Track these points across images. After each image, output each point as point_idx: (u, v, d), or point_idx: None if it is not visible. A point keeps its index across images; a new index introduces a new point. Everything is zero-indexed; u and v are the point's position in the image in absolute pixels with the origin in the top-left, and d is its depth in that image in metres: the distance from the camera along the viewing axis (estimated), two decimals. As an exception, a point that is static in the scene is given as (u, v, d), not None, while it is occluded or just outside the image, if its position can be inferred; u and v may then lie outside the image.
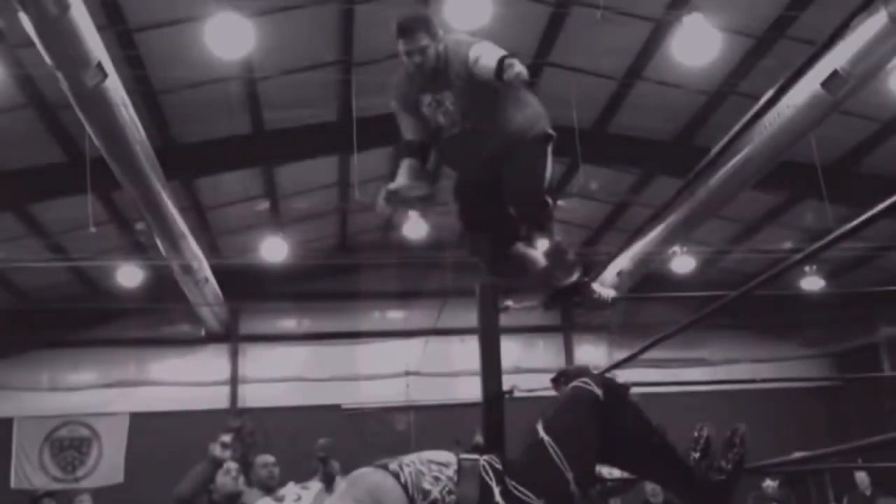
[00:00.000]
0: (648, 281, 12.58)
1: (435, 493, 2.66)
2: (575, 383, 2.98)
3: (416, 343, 14.13)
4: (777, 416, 13.16)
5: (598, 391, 2.91)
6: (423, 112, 3.81)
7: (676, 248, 11.39)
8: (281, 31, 8.85)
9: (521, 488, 2.70)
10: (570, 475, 2.72)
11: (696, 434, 3.10)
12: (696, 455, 3.04)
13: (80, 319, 13.62)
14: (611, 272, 10.89)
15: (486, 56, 3.51)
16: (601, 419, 2.89)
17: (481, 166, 3.81)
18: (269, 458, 6.28)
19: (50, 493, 8.05)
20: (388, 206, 3.76)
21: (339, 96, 10.25)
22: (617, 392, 2.99)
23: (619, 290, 10.85)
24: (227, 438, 5.80)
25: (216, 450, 5.73)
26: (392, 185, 3.75)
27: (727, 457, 3.02)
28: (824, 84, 7.55)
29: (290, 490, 5.53)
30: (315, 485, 5.91)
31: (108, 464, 13.66)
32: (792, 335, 14.83)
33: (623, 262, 11.11)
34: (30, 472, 13.45)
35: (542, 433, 2.83)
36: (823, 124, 8.36)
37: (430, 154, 3.92)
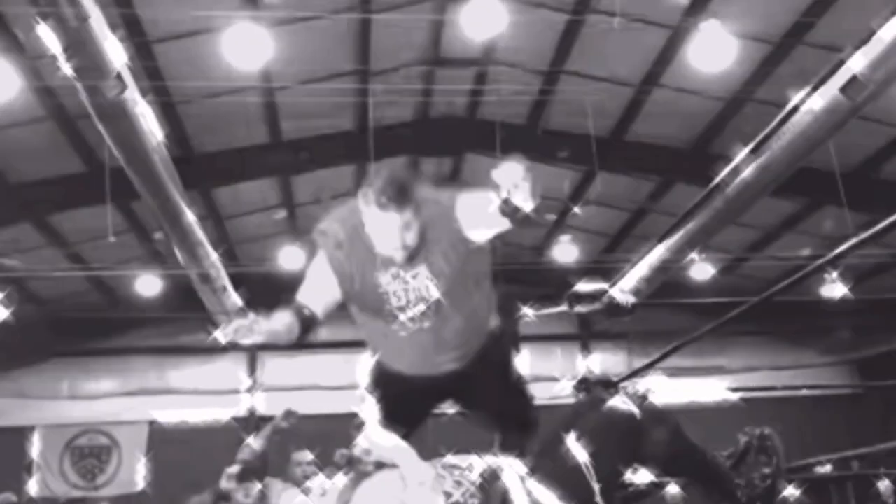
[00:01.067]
0: (667, 288, 12.50)
1: (457, 496, 2.67)
2: (612, 402, 2.99)
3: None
4: (798, 425, 13.01)
5: (636, 410, 2.96)
6: (369, 288, 2.97)
7: (695, 256, 11.30)
8: (299, 41, 8.90)
9: (546, 494, 2.71)
10: (596, 487, 2.73)
11: (742, 440, 3.10)
12: (731, 464, 3.04)
13: (100, 328, 13.71)
14: (629, 280, 10.83)
15: (483, 204, 2.73)
16: (636, 437, 2.94)
17: (436, 365, 3.07)
18: (306, 457, 6.17)
19: (71, 501, 8.10)
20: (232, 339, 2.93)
21: (356, 106, 10.29)
22: (653, 410, 3.01)
23: (638, 298, 10.79)
24: (233, 470, 5.79)
25: (222, 481, 5.73)
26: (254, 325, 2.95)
27: (762, 468, 3.02)
28: (843, 89, 7.49)
29: (318, 483, 5.53)
30: (342, 480, 5.90)
31: (127, 472, 13.73)
32: (812, 342, 14.70)
33: (641, 269, 11.04)
34: (50, 480, 13.52)
35: (573, 444, 2.85)
36: (842, 130, 8.29)
37: (310, 332, 3.11)
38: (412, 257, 2.89)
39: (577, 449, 2.85)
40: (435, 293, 2.90)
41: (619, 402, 2.99)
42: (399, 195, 2.81)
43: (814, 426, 13.46)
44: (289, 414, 6.34)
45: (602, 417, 2.98)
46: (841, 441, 12.55)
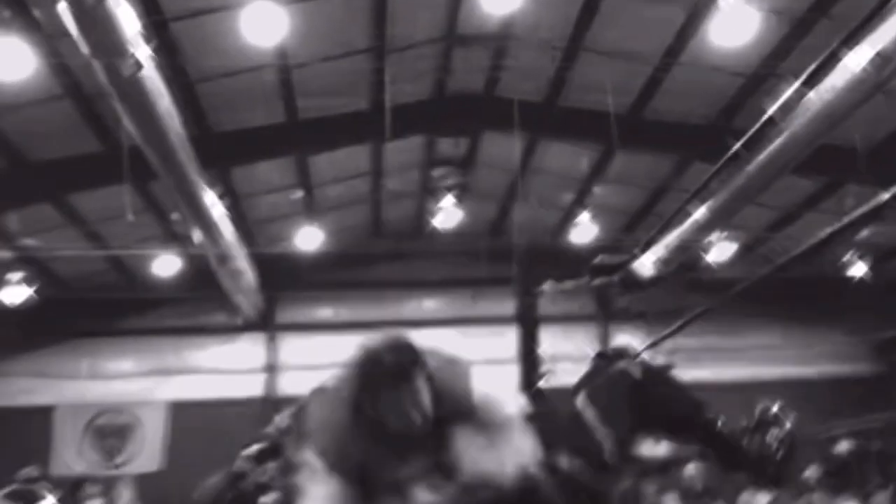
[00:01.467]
0: (686, 269, 12.42)
1: None
2: (616, 367, 3.07)
3: (451, 331, 14.15)
4: (820, 404, 12.89)
5: (637, 373, 3.04)
6: (381, 483, 2.52)
7: (714, 236, 11.21)
8: (314, 18, 8.84)
9: (557, 453, 2.76)
10: (605, 442, 2.80)
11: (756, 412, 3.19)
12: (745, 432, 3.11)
13: (119, 308, 13.81)
14: (648, 259, 10.77)
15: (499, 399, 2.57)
16: (639, 398, 3.00)
17: None
18: None
19: (89, 479, 8.20)
20: None
21: (372, 84, 10.23)
22: (656, 375, 3.11)
23: (656, 275, 10.72)
24: (250, 451, 5.81)
25: (238, 462, 5.76)
26: None
27: (775, 438, 3.08)
28: (865, 65, 7.37)
29: None
30: None
31: (146, 451, 13.83)
32: (835, 322, 14.54)
33: (660, 249, 10.97)
34: (70, 459, 13.63)
35: (580, 404, 2.95)
36: (864, 106, 8.17)
37: None
38: (426, 441, 2.48)
39: (585, 408, 2.92)
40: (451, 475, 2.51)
41: (624, 366, 3.07)
42: (406, 362, 2.49)
43: (833, 406, 13.33)
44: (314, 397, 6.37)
45: (607, 381, 3.06)
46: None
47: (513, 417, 2.58)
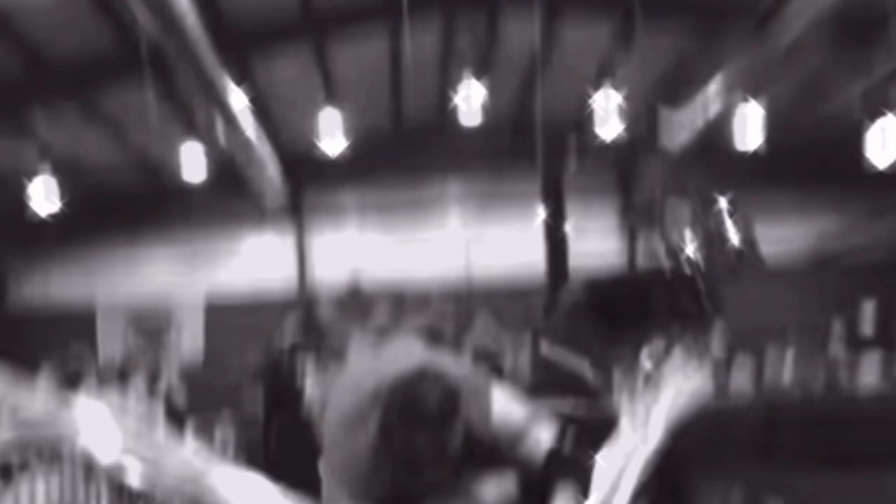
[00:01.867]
0: (709, 145, 12.22)
1: None
2: (560, 297, 3.19)
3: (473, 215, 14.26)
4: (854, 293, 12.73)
5: (581, 297, 3.18)
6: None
7: (740, 106, 10.99)
8: None
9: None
10: (582, 364, 2.83)
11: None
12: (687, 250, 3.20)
13: (151, 209, 14.02)
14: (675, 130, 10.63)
15: (538, 433, 2.54)
16: (586, 315, 3.09)
17: None
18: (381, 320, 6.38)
19: (134, 362, 8.57)
20: None
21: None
22: (599, 287, 3.26)
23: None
24: (284, 344, 6.00)
25: (274, 353, 5.97)
26: None
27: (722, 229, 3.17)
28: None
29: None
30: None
31: (187, 345, 14.28)
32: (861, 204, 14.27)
33: (685, 121, 10.81)
34: (114, 356, 14.07)
35: (542, 349, 3.08)
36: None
37: None
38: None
39: (547, 349, 3.05)
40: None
41: (566, 294, 3.24)
42: (444, 403, 2.34)
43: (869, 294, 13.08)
44: (354, 286, 6.60)
45: (554, 314, 3.29)
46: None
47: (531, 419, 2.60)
